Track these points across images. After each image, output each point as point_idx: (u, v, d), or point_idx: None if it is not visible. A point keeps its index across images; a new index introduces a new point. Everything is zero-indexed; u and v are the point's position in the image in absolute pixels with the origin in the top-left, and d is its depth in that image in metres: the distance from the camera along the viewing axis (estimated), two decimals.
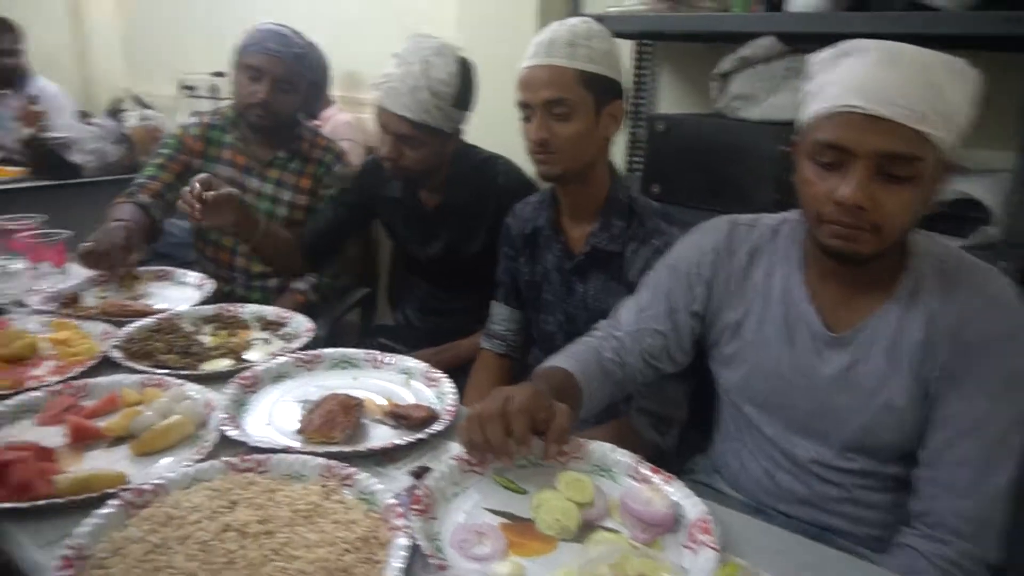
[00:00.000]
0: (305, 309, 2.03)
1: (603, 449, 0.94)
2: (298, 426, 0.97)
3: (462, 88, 1.54)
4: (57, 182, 2.73)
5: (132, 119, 2.87)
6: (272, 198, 1.99)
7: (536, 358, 1.57)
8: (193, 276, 1.59)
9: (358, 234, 2.07)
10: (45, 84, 3.47)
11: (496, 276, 1.57)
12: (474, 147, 1.70)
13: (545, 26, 1.33)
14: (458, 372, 1.60)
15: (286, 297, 2.03)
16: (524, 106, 1.32)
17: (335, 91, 3.02)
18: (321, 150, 2.03)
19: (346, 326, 2.11)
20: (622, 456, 0.93)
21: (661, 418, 1.35)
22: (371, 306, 2.20)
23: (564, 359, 1.16)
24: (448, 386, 1.09)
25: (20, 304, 1.43)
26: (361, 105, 3.05)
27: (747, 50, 1.64)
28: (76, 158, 2.75)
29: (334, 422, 0.95)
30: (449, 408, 1.03)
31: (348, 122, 2.85)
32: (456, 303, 1.81)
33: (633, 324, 1.18)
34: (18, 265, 1.58)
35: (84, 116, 2.91)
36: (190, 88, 3.81)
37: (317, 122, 2.86)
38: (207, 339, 1.27)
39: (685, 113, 1.90)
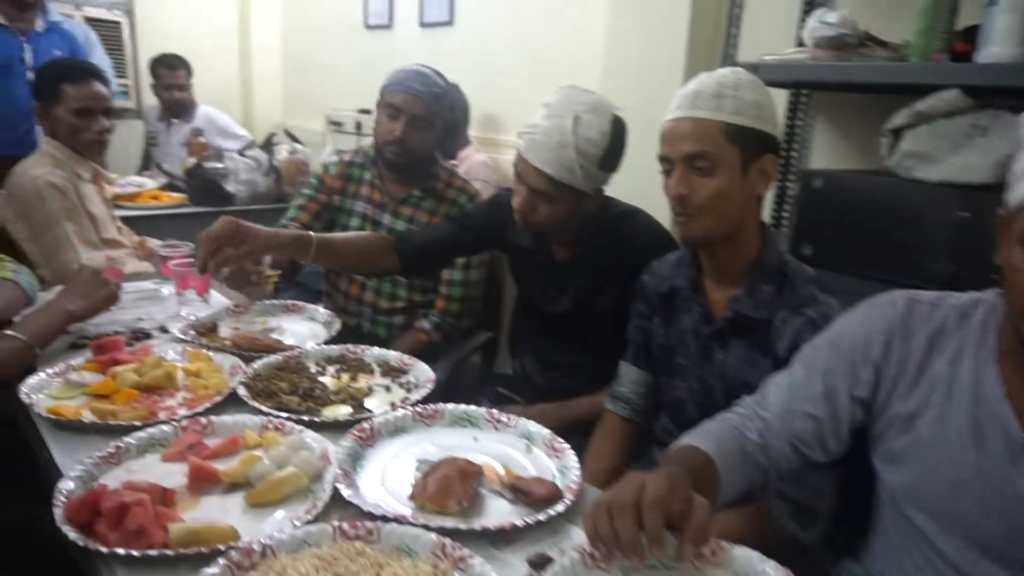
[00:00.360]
0: (427, 349, 2.05)
1: (748, 558, 0.82)
2: (412, 490, 0.92)
3: (611, 149, 1.45)
4: (212, 209, 2.91)
5: (282, 152, 3.03)
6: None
7: (663, 425, 1.46)
8: (323, 313, 1.60)
9: (478, 269, 2.03)
10: (215, 114, 3.75)
11: (627, 334, 1.48)
12: (611, 199, 1.62)
13: (693, 77, 1.25)
14: (577, 432, 1.53)
15: (409, 335, 2.03)
16: (664, 160, 1.23)
17: (473, 131, 3.05)
18: (456, 190, 2.03)
19: (467, 369, 2.07)
20: (771, 570, 0.81)
21: (803, 508, 1.20)
22: (493, 351, 2.16)
23: (702, 438, 1.04)
24: (572, 460, 1.00)
25: (163, 330, 1.49)
26: (498, 147, 3.06)
27: (925, 103, 1.47)
28: (231, 187, 2.93)
29: (450, 490, 0.89)
30: (572, 485, 0.95)
31: (484, 162, 2.86)
32: (579, 360, 1.72)
33: (783, 404, 1.05)
34: (167, 291, 1.66)
35: (219, 152, 3.10)
36: (337, 124, 3.99)
37: (454, 162, 2.90)
38: (330, 381, 1.26)
39: (845, 170, 1.74)
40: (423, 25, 3.47)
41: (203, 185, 2.88)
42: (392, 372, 1.31)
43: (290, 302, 1.64)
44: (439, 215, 2.01)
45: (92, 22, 3.95)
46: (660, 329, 1.40)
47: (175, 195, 2.96)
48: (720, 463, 1.00)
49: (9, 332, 1.23)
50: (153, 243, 2.44)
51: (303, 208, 2.05)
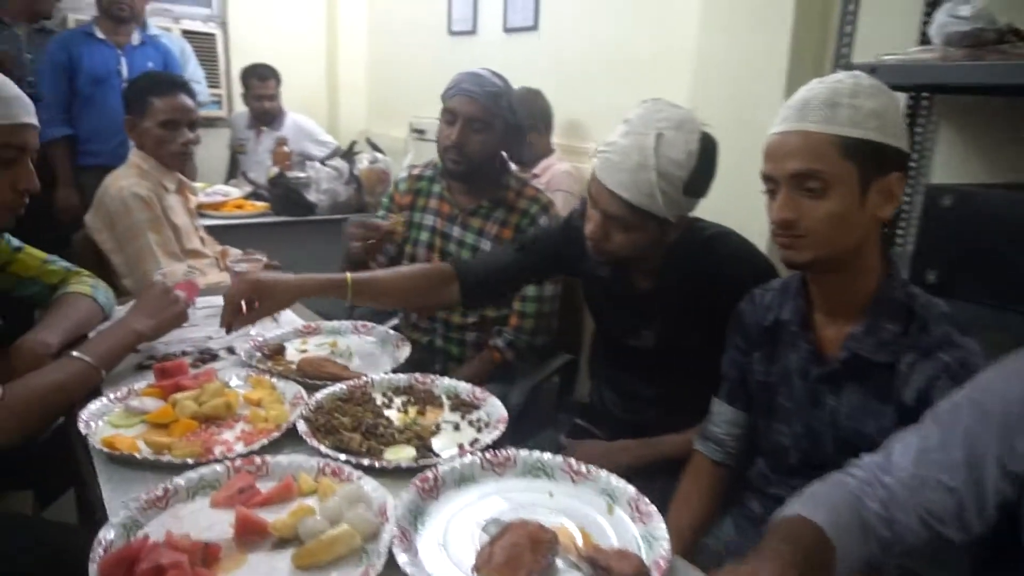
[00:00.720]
0: (501, 368, 1.95)
1: None
2: (477, 560, 0.81)
3: (698, 172, 1.25)
4: (294, 218, 2.91)
5: (363, 161, 3.01)
6: (472, 247, 1.92)
7: (760, 471, 1.30)
8: (393, 336, 1.52)
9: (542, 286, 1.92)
10: (303, 121, 3.79)
11: (721, 369, 1.33)
12: (699, 221, 1.44)
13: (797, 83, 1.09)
14: (663, 472, 1.39)
15: (483, 354, 1.94)
16: (767, 179, 1.07)
17: (557, 139, 2.94)
18: (528, 200, 1.92)
19: (544, 393, 1.96)
20: None
21: None
22: (572, 375, 2.04)
23: (813, 506, 0.89)
24: (661, 528, 0.87)
25: (231, 350, 1.44)
26: (582, 155, 2.94)
27: None
28: (312, 197, 2.92)
29: (519, 561, 0.78)
30: (661, 562, 0.82)
31: (567, 172, 2.75)
32: (663, 393, 1.56)
33: (912, 470, 0.89)
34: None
35: (307, 159, 3.09)
36: (419, 131, 3.97)
37: (535, 171, 2.79)
38: (395, 416, 1.17)
39: (979, 184, 1.53)
40: (507, 30, 3.38)
41: (285, 195, 2.88)
42: (462, 407, 1.21)
43: (360, 323, 1.56)
44: (510, 226, 1.91)
45: (188, 35, 4.07)
46: (760, 366, 1.24)
47: (258, 204, 2.98)
48: (835, 538, 0.84)
49: (76, 353, 1.20)
50: (234, 253, 2.45)
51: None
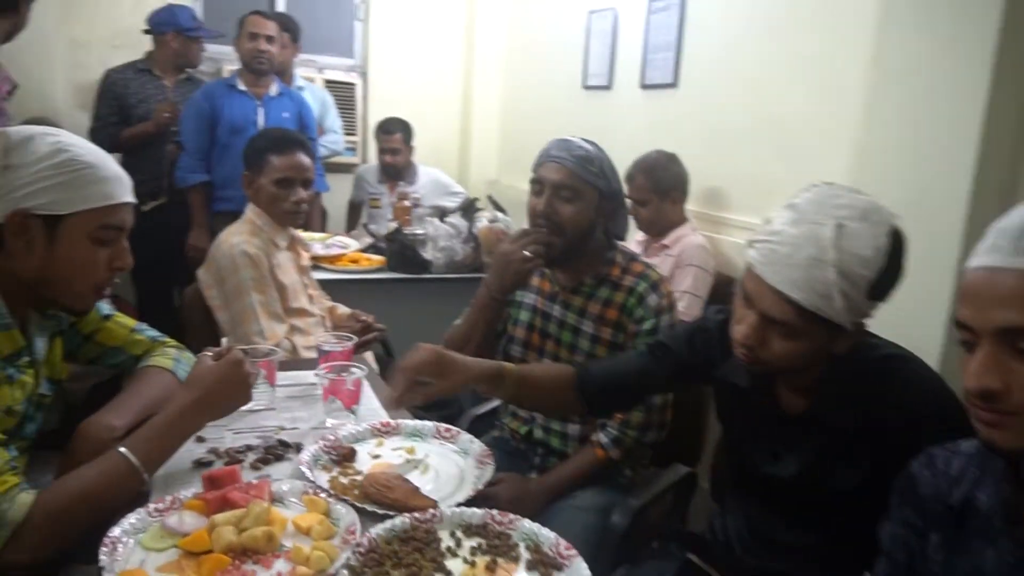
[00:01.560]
0: (605, 468, 1.70)
1: None
2: None
3: (887, 273, 1.03)
4: (408, 276, 2.82)
5: (483, 220, 2.88)
6: (573, 328, 1.72)
7: None
8: (478, 448, 1.32)
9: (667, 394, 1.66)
10: (436, 173, 3.76)
11: (879, 540, 1.03)
12: (872, 336, 1.17)
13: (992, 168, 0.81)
14: None
15: (585, 450, 1.71)
16: (963, 327, 0.80)
17: (692, 206, 2.69)
18: (634, 277, 1.69)
19: (653, 514, 1.68)
20: None
21: None
22: (687, 494, 1.75)
23: None
24: None
25: (298, 448, 1.30)
26: (720, 226, 2.67)
27: None
28: (428, 254, 2.82)
29: None
30: None
31: (701, 245, 2.48)
32: (804, 542, 1.26)
33: None
34: (318, 391, 1.49)
35: (442, 213, 3.00)
36: None
37: (665, 242, 2.55)
38: (459, 569, 0.97)
39: None
40: (644, 87, 3.18)
41: (400, 251, 2.80)
42: (542, 566, 0.99)
43: (444, 427, 1.38)
44: (614, 305, 1.69)
45: (330, 84, 4.19)
46: (938, 553, 0.93)
47: (375, 258, 2.92)
48: None
49: (123, 449, 1.09)
50: (343, 311, 2.37)
51: None
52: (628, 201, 2.58)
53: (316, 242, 2.94)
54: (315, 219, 3.30)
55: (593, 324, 1.70)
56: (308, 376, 1.64)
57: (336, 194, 3.85)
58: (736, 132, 2.66)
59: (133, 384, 1.37)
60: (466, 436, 1.34)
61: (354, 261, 2.83)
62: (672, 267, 2.48)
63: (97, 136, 3.26)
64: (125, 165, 3.31)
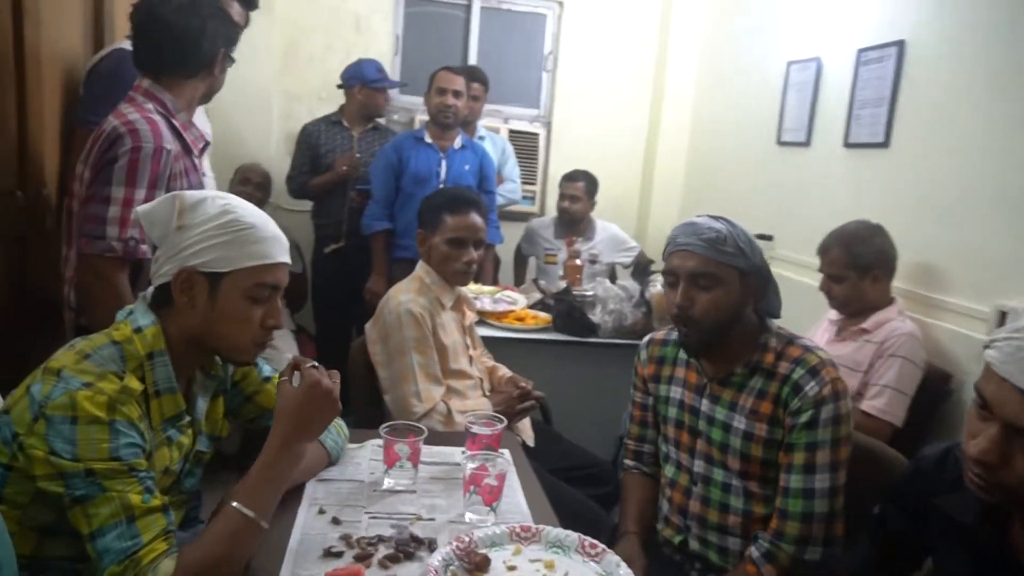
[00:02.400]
0: None
1: None
2: None
3: None
4: (573, 339, 2.72)
5: (656, 284, 2.71)
6: (724, 424, 1.52)
7: None
8: (624, 572, 1.16)
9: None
10: (613, 230, 3.66)
11: None
12: None
13: None
14: None
15: (738, 568, 1.49)
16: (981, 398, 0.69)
17: (899, 283, 2.35)
18: (790, 363, 1.47)
19: None
20: None
21: None
22: None
23: None
24: None
25: (431, 545, 1.22)
26: (934, 310, 2.31)
27: None
28: (595, 317, 2.70)
29: None
30: None
31: (911, 334, 2.14)
32: None
33: None
34: (460, 474, 1.41)
35: (614, 273, 2.87)
36: None
37: (864, 325, 2.23)
38: None
39: None
40: (848, 145, 2.87)
41: (567, 312, 2.70)
42: None
43: (589, 541, 1.23)
44: (768, 397, 1.48)
45: (514, 134, 4.24)
46: None
47: (541, 316, 2.85)
48: None
49: (234, 504, 1.10)
50: (502, 373, 2.32)
51: (632, 419, 1.75)
52: (819, 275, 2.32)
53: (485, 295, 2.92)
54: (487, 270, 3.30)
55: (746, 419, 1.50)
56: (455, 455, 1.57)
57: (511, 240, 3.85)
58: (957, 199, 2.30)
59: None
60: (613, 558, 1.19)
61: (520, 319, 2.78)
62: (872, 356, 2.16)
63: (291, 183, 3.55)
64: (313, 210, 3.54)
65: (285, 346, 3.18)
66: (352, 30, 4.03)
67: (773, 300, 1.57)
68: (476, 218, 2.12)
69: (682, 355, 1.64)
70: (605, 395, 2.59)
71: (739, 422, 1.50)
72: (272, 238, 1.20)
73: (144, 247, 1.60)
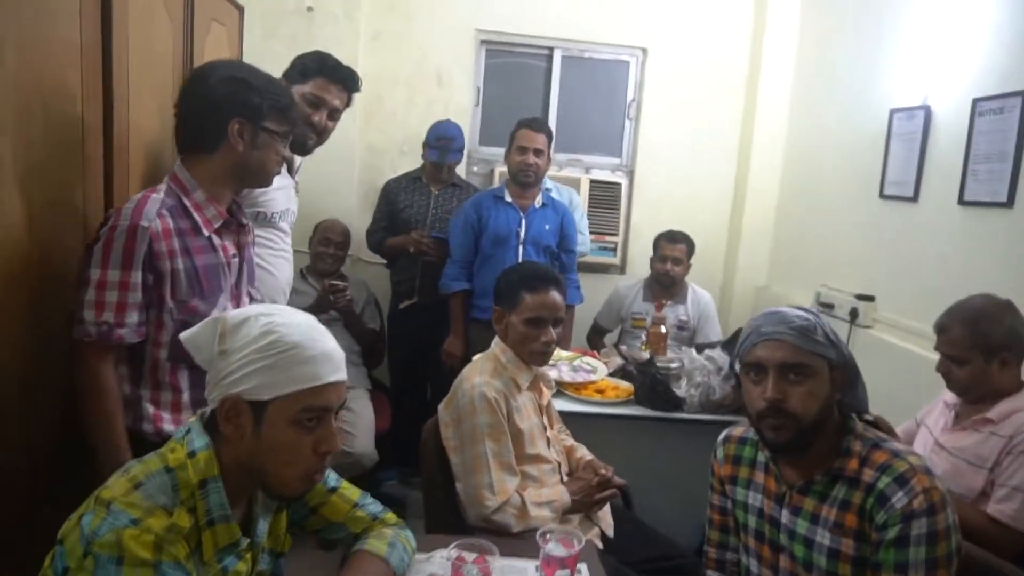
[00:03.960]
0: None
1: None
2: None
3: None
4: (656, 414, 2.56)
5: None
6: (805, 539, 1.37)
7: None
8: None
9: None
10: (700, 292, 3.48)
11: None
12: None
13: None
14: None
15: None
16: None
17: None
18: (875, 470, 1.32)
19: None
20: None
21: None
22: None
23: None
24: None
25: None
26: None
27: None
28: (680, 391, 2.54)
29: None
30: None
31: None
32: None
33: None
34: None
35: (701, 346, 2.70)
36: (827, 306, 3.33)
37: (990, 415, 1.99)
38: None
39: None
40: (964, 203, 2.62)
41: (651, 384, 2.55)
42: None
43: None
44: (852, 509, 1.33)
45: (596, 184, 4.13)
46: None
47: (622, 386, 2.69)
48: None
49: None
50: (581, 455, 2.19)
51: (711, 523, 1.60)
52: (926, 342, 2.09)
53: (563, 362, 2.80)
54: (567, 334, 3.17)
55: (830, 535, 1.35)
56: (528, 571, 1.45)
57: (590, 296, 3.71)
58: None
59: (344, 572, 1.30)
60: None
61: (600, 391, 2.64)
62: (1000, 452, 1.91)
63: (369, 238, 3.59)
64: (389, 266, 3.50)
65: (360, 407, 3.15)
66: (434, 83, 4.04)
67: (861, 396, 1.46)
68: (556, 296, 2.03)
69: (761, 458, 1.51)
70: (692, 475, 2.39)
71: (823, 537, 1.36)
72: (320, 356, 1.11)
73: (120, 331, 1.47)
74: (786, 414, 1.34)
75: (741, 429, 1.61)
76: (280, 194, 2.13)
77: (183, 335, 1.16)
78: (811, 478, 1.39)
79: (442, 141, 3.38)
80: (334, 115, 2.19)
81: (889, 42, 3.13)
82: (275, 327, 1.09)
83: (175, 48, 2.14)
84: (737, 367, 1.47)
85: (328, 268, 3.43)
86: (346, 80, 2.18)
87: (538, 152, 3.05)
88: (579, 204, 3.74)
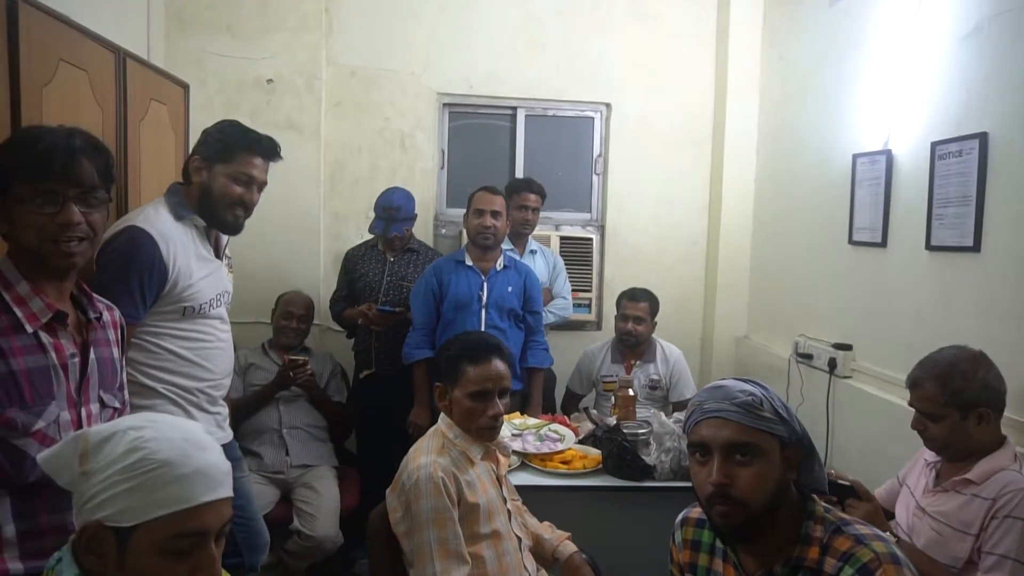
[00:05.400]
0: None
1: None
2: None
3: None
4: (623, 484, 2.42)
5: None
6: None
7: None
8: None
9: None
10: (669, 349, 3.38)
11: None
12: None
13: None
14: None
15: None
16: None
17: (1011, 413, 1.98)
18: (837, 560, 1.20)
19: None
20: None
21: None
22: None
23: None
24: None
25: None
26: None
27: None
28: (651, 458, 2.41)
29: None
30: None
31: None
32: None
33: None
34: None
35: (676, 404, 2.57)
36: (805, 356, 3.23)
37: (969, 476, 1.86)
38: None
39: None
40: (932, 248, 2.55)
41: (618, 452, 2.42)
42: None
43: None
44: None
45: (566, 240, 4.07)
46: None
47: (591, 455, 2.56)
48: None
49: None
50: (547, 539, 2.05)
51: None
52: (905, 391, 1.99)
53: (530, 431, 2.68)
54: (535, 399, 3.05)
55: None
56: None
57: (569, 352, 3.61)
58: None
59: None
60: None
61: (566, 462, 2.51)
62: (984, 516, 1.78)
63: (331, 308, 3.53)
64: (348, 337, 3.39)
65: (324, 487, 3.01)
66: (397, 148, 4.02)
67: (818, 475, 1.35)
68: (499, 365, 1.93)
69: (719, 544, 1.38)
70: (664, 546, 2.27)
71: None
72: (193, 473, 0.99)
73: None
74: (734, 499, 1.23)
75: (699, 510, 1.49)
76: (206, 283, 2.02)
77: (40, 456, 1.05)
78: (770, 568, 1.27)
79: (388, 212, 3.30)
80: (260, 188, 2.11)
81: (849, 85, 3.11)
82: (143, 443, 0.98)
83: (104, 133, 2.08)
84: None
85: (290, 342, 3.33)
86: (268, 152, 2.09)
87: (495, 214, 2.99)
88: (562, 268, 3.63)
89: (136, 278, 1.88)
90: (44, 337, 1.33)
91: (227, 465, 1.05)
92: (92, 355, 1.42)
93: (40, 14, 1.75)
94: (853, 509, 1.91)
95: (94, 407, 1.41)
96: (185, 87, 2.71)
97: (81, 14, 2.02)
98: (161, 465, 0.97)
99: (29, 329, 1.31)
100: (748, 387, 1.29)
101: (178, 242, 1.96)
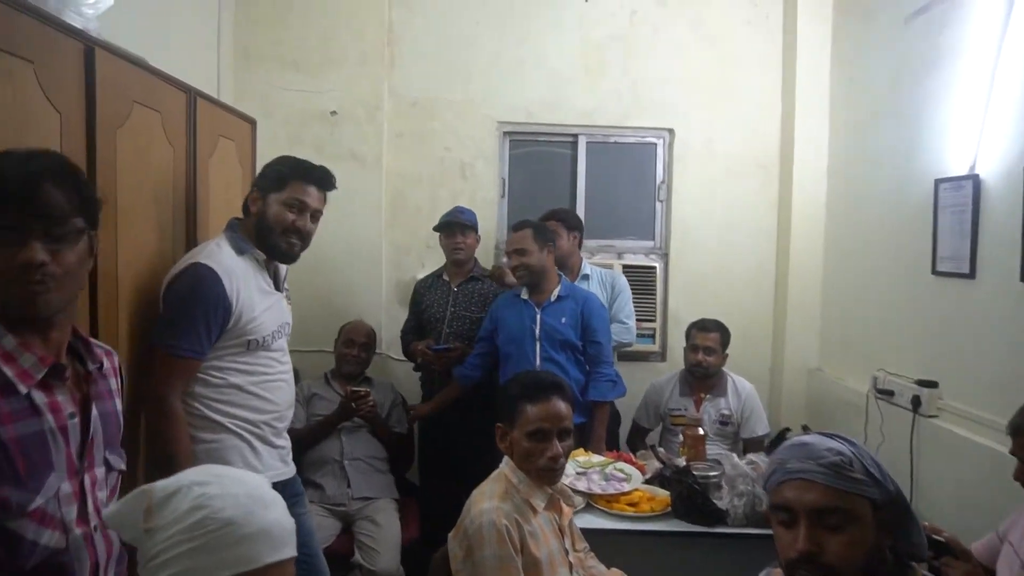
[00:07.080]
0: None
1: None
2: None
3: None
4: (693, 528, 2.31)
5: None
6: None
7: None
8: None
9: None
10: (741, 383, 3.25)
11: None
12: None
13: None
14: None
15: None
16: None
17: None
18: None
19: None
20: None
21: None
22: None
23: None
24: None
25: None
26: None
27: None
28: (722, 503, 2.29)
29: None
30: None
31: None
32: None
33: None
34: None
35: (748, 441, 2.44)
36: (886, 393, 3.05)
37: None
38: None
39: None
40: None
41: (688, 495, 2.31)
42: None
43: None
44: None
45: (628, 269, 3.97)
46: None
47: (659, 496, 2.45)
48: None
49: None
50: None
51: None
52: (996, 431, 1.83)
53: (595, 470, 2.59)
54: (598, 435, 2.93)
55: None
56: None
57: (633, 383, 3.48)
58: None
59: None
60: None
61: (633, 504, 2.41)
62: None
63: (401, 339, 3.49)
64: (416, 370, 3.39)
65: (384, 519, 2.97)
66: (458, 177, 4.01)
67: (916, 538, 1.22)
68: (559, 405, 1.86)
69: None
70: None
71: None
72: (257, 533, 0.96)
73: None
74: (824, 568, 1.13)
75: (780, 571, 1.38)
76: (268, 315, 2.04)
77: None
78: None
79: (451, 214, 3.32)
80: (315, 216, 2.11)
81: (929, 106, 2.95)
82: (206, 500, 0.95)
83: (175, 171, 2.12)
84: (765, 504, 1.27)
85: (352, 371, 3.33)
86: (321, 180, 2.11)
87: (520, 252, 2.94)
88: (623, 288, 3.40)
89: (201, 314, 1.90)
90: (38, 397, 1.14)
91: (291, 523, 1.02)
92: (94, 411, 1.23)
93: (115, 58, 1.79)
94: (951, 569, 1.77)
95: (99, 471, 1.24)
96: (252, 122, 2.76)
97: (154, 54, 2.07)
98: (225, 524, 0.94)
99: (23, 390, 1.11)
100: (836, 444, 1.19)
101: (240, 276, 1.98)
